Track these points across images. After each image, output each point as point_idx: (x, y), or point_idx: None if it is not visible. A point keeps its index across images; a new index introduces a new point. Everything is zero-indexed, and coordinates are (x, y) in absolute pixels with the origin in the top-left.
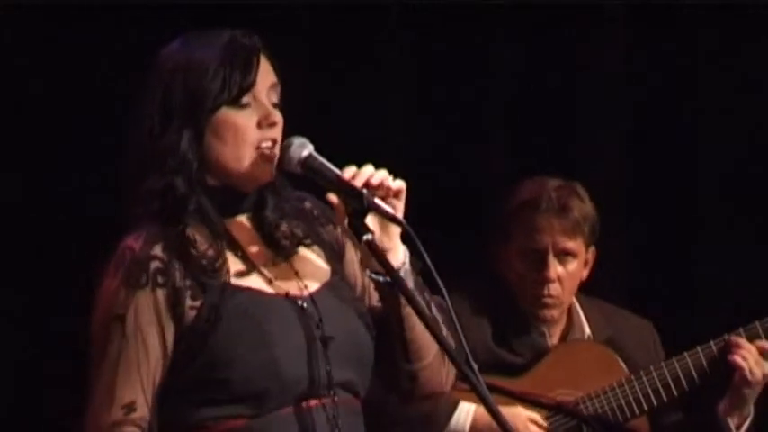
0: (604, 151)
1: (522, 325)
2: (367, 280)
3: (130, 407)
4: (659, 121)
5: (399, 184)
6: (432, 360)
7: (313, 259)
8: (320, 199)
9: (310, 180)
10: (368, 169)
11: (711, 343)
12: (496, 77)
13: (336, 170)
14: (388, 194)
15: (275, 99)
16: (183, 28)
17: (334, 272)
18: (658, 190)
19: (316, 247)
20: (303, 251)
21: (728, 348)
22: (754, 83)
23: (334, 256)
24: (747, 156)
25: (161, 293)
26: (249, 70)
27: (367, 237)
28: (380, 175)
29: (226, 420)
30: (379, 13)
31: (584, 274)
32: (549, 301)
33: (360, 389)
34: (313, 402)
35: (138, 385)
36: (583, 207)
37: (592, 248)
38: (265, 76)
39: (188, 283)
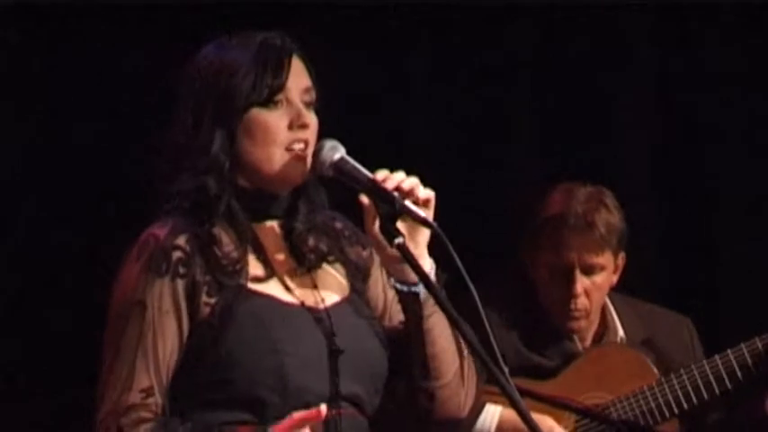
0: (630, 153)
1: (551, 328)
2: (390, 299)
3: (148, 392)
4: (683, 124)
5: (429, 193)
6: (451, 380)
7: (334, 275)
8: (351, 205)
9: (342, 183)
10: (399, 175)
11: (742, 345)
12: (523, 79)
13: (368, 173)
14: (417, 202)
15: (309, 101)
16: (195, 28)
17: (353, 290)
18: (682, 191)
19: (338, 265)
20: (325, 267)
21: None
22: None
23: (357, 276)
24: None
25: (180, 284)
26: (280, 71)
27: (399, 240)
28: (411, 182)
29: (229, 427)
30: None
31: (614, 279)
32: (575, 314)
33: (367, 405)
34: None
35: (155, 371)
36: (610, 219)
37: (621, 254)
38: (298, 77)
39: (207, 278)
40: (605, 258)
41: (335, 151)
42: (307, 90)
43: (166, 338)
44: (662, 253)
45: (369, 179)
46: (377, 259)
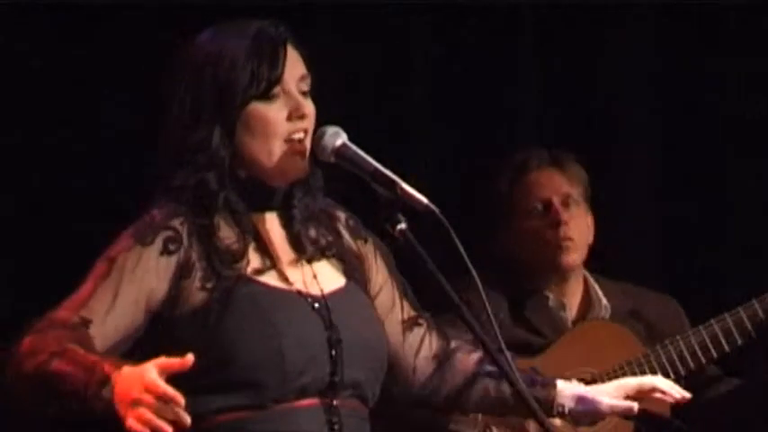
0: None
1: (539, 301)
2: (398, 293)
3: (86, 321)
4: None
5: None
6: None
7: (332, 266)
8: (351, 192)
9: (344, 170)
10: None
11: (726, 315)
12: (520, 75)
13: (370, 158)
14: None
15: (306, 89)
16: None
17: (351, 279)
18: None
19: (335, 260)
20: (324, 260)
21: None
22: None
23: (357, 269)
24: None
25: (166, 260)
26: (276, 62)
27: (401, 226)
28: None
29: (227, 412)
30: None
31: (590, 237)
32: (567, 244)
33: (368, 392)
34: (314, 401)
35: (101, 316)
36: (574, 163)
37: (590, 214)
38: (294, 66)
39: (203, 264)
40: (578, 193)
41: (337, 137)
42: (302, 78)
43: (119, 300)
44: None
45: (371, 165)
46: (377, 251)
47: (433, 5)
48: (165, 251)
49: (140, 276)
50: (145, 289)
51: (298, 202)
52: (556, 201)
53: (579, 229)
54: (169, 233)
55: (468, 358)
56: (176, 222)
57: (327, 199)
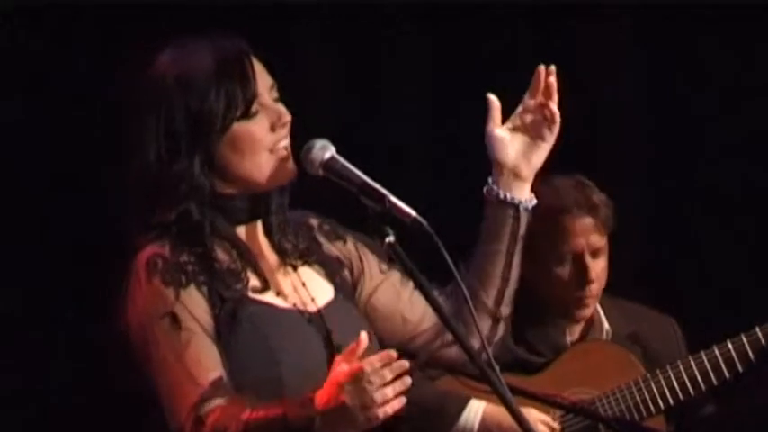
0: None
1: (540, 322)
2: (395, 276)
3: (213, 385)
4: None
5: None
6: (508, 316)
7: (317, 276)
8: (339, 205)
9: (332, 183)
10: None
11: (728, 342)
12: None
13: (358, 172)
14: None
15: (276, 96)
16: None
17: (337, 288)
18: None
19: (317, 266)
20: (307, 266)
21: None
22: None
23: (340, 270)
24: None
25: (203, 291)
26: (248, 80)
27: (390, 239)
28: None
29: None
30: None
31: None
32: (588, 301)
33: None
34: None
35: (215, 368)
36: (603, 198)
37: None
38: (262, 77)
39: (210, 290)
40: (605, 240)
41: (326, 151)
42: (272, 87)
43: (210, 335)
44: (647, 252)
45: (359, 178)
46: (363, 248)
47: (425, 5)
48: (198, 283)
49: (203, 312)
50: (208, 324)
51: (275, 207)
52: (587, 255)
53: (602, 280)
54: (191, 267)
55: None
56: (186, 257)
57: (299, 210)
